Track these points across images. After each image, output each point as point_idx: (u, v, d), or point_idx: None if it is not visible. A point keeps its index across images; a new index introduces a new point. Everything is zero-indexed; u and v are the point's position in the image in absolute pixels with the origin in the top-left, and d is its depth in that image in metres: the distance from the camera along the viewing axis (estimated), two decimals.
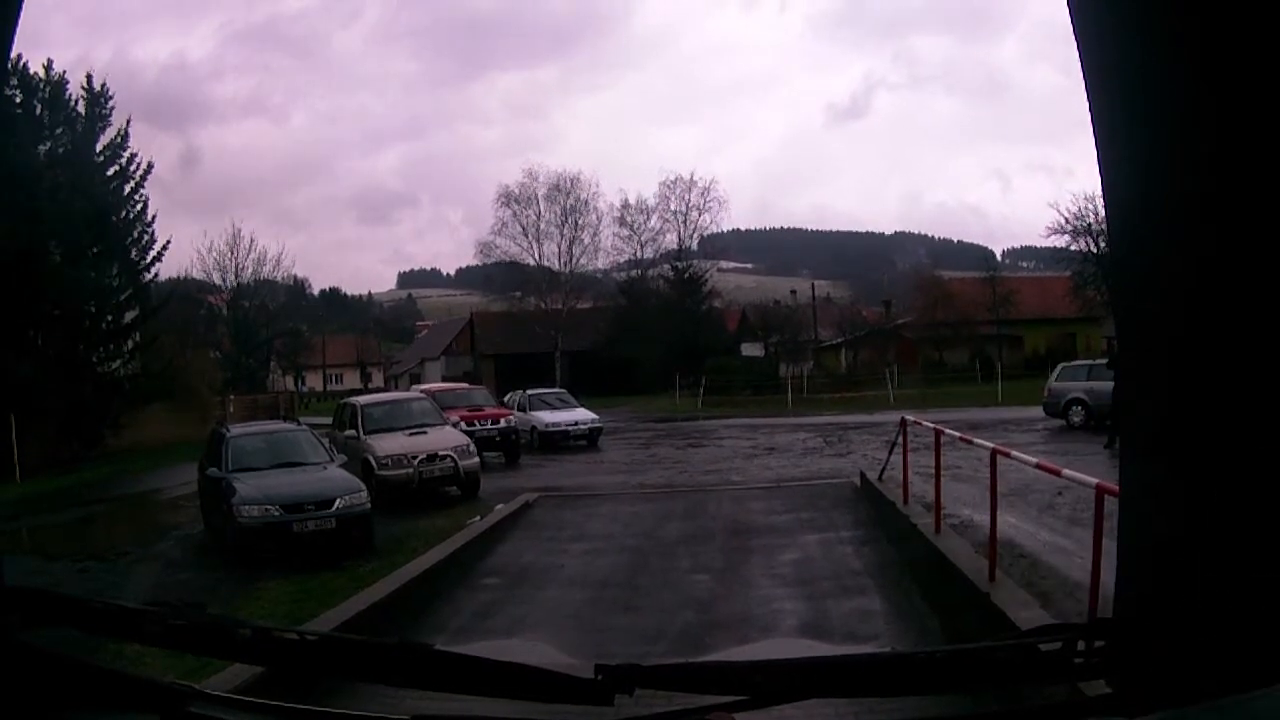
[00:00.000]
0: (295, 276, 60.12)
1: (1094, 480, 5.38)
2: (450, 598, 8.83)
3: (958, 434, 9.93)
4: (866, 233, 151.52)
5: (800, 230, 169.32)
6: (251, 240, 56.10)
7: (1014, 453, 7.75)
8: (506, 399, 26.05)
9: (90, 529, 15.82)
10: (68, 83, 29.54)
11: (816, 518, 12.16)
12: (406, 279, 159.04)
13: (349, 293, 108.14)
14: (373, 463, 14.97)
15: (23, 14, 1.74)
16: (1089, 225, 38.95)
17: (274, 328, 53.65)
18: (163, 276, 35.54)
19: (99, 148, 30.68)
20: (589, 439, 24.24)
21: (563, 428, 24.20)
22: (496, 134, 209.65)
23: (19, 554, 12.50)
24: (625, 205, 53.78)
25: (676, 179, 54.12)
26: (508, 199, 51.38)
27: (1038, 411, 22.56)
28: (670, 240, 53.43)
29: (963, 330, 44.86)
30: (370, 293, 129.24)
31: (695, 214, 52.83)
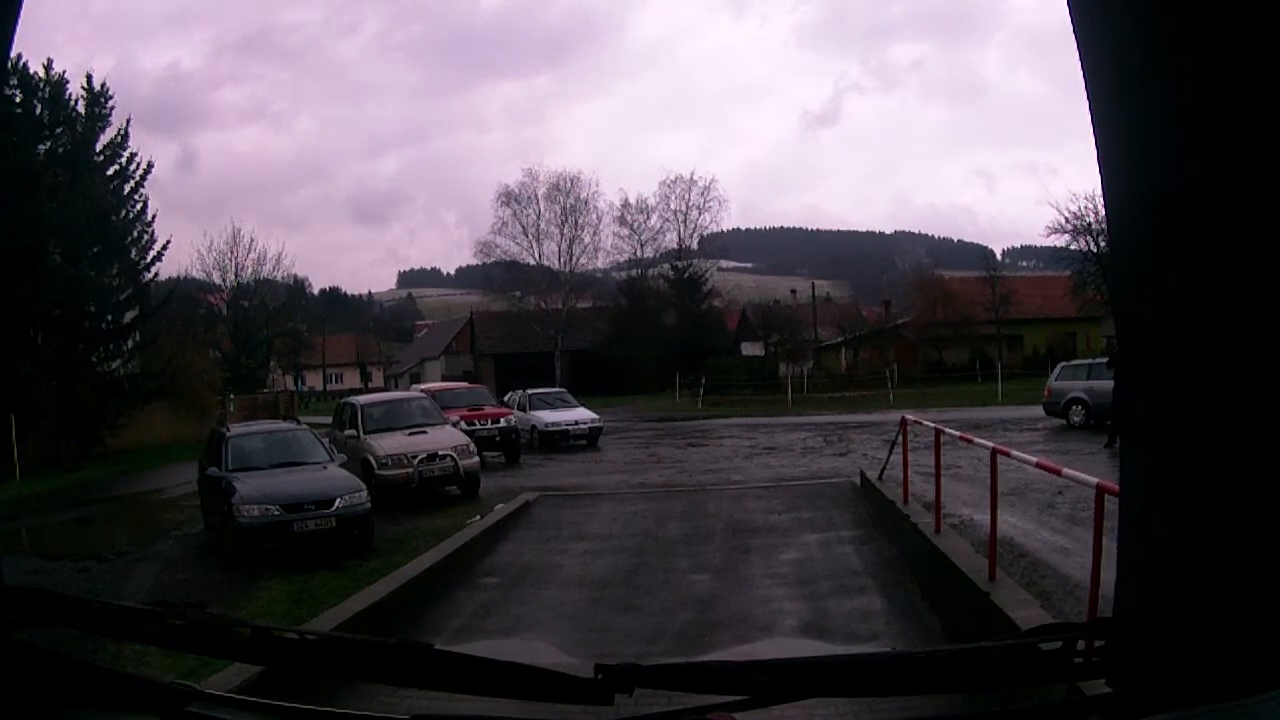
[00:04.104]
0: (295, 276, 60.05)
1: (1094, 480, 5.37)
2: (450, 597, 8.83)
3: (958, 433, 9.92)
4: (866, 232, 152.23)
5: (800, 230, 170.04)
6: (251, 240, 56.24)
7: (1014, 452, 7.74)
8: (506, 398, 26.04)
9: (90, 529, 15.83)
10: (68, 83, 29.62)
11: (816, 517, 12.16)
12: (406, 278, 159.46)
13: (349, 292, 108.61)
14: (373, 462, 14.96)
15: (25, 23, 1.74)
16: (1089, 225, 38.96)
17: (274, 327, 53.59)
18: (162, 276, 35.56)
19: (99, 148, 30.72)
20: (589, 439, 24.24)
21: (563, 427, 24.20)
22: (496, 139, 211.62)
23: (19, 554, 12.51)
24: (625, 205, 53.93)
25: (676, 178, 54.23)
26: (508, 198, 51.47)
27: (1038, 411, 22.56)
28: (670, 240, 53.52)
29: (963, 330, 44.86)
30: (370, 292, 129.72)
31: (695, 213, 52.94)
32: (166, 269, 41.93)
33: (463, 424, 18.74)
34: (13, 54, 1.91)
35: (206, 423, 22.16)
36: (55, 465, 23.81)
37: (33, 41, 31.98)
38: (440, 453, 15.43)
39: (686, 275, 52.90)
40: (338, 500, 11.25)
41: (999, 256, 79.75)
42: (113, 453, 26.59)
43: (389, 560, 10.01)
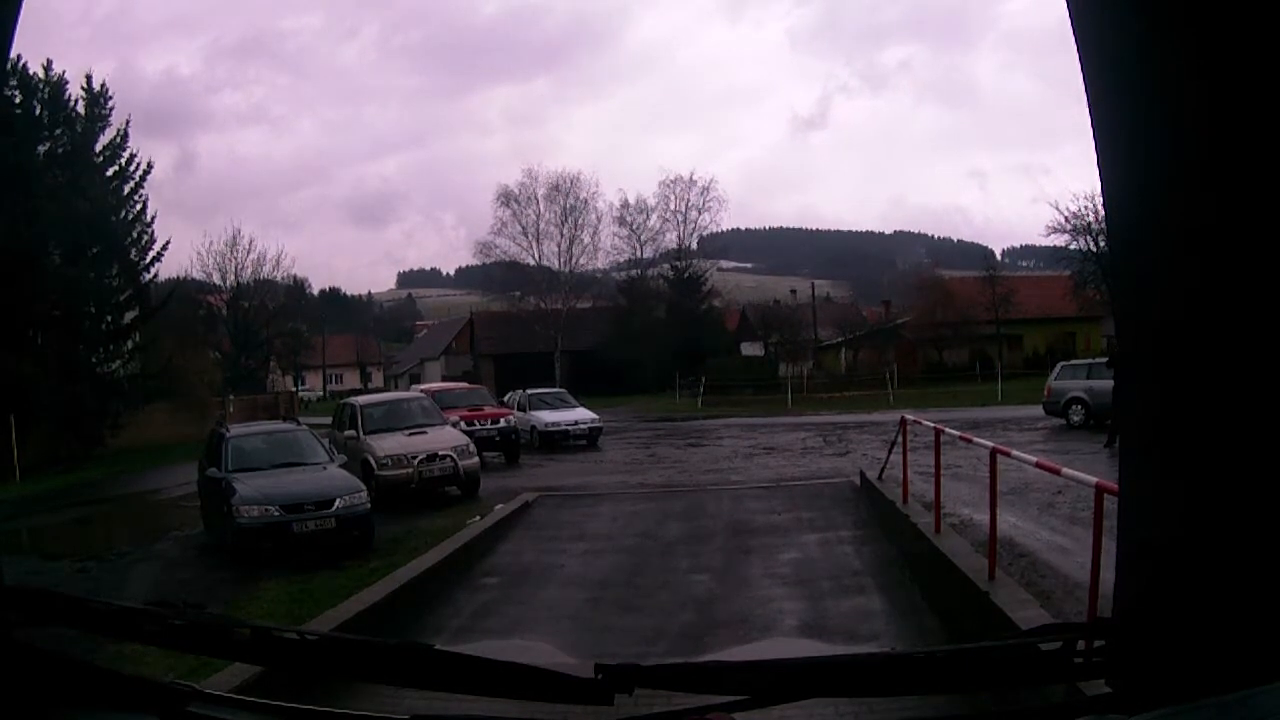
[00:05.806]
0: (295, 276, 60.06)
1: (1094, 479, 5.38)
2: (450, 598, 8.83)
3: (957, 433, 9.92)
4: (866, 232, 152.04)
5: (800, 230, 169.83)
6: (251, 240, 56.36)
7: (1014, 452, 7.74)
8: (506, 399, 26.04)
9: (89, 529, 15.82)
10: (67, 83, 29.59)
11: (816, 517, 12.16)
12: (406, 279, 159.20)
13: (348, 293, 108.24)
14: (372, 463, 14.95)
15: (25, 27, 1.74)
16: (1089, 224, 38.93)
17: (274, 328, 53.59)
18: (162, 277, 35.59)
19: (98, 148, 30.71)
20: (589, 439, 24.24)
21: (563, 427, 24.20)
22: (496, 141, 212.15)
23: (19, 554, 12.51)
24: (625, 205, 53.86)
25: (676, 179, 54.17)
26: (507, 198, 51.41)
27: (1037, 411, 22.56)
28: (670, 240, 53.48)
29: (963, 330, 44.82)
30: (370, 293, 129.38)
31: (695, 213, 52.89)
32: (166, 269, 41.84)
33: (462, 424, 18.72)
34: (12, 55, 1.91)
35: (206, 423, 22.09)
36: (55, 465, 23.79)
37: (33, 44, 31.98)
38: (440, 453, 15.42)
39: (686, 275, 52.87)
40: (338, 501, 11.25)
41: (999, 256, 79.79)
42: (113, 453, 26.57)
43: (389, 560, 9.99)
